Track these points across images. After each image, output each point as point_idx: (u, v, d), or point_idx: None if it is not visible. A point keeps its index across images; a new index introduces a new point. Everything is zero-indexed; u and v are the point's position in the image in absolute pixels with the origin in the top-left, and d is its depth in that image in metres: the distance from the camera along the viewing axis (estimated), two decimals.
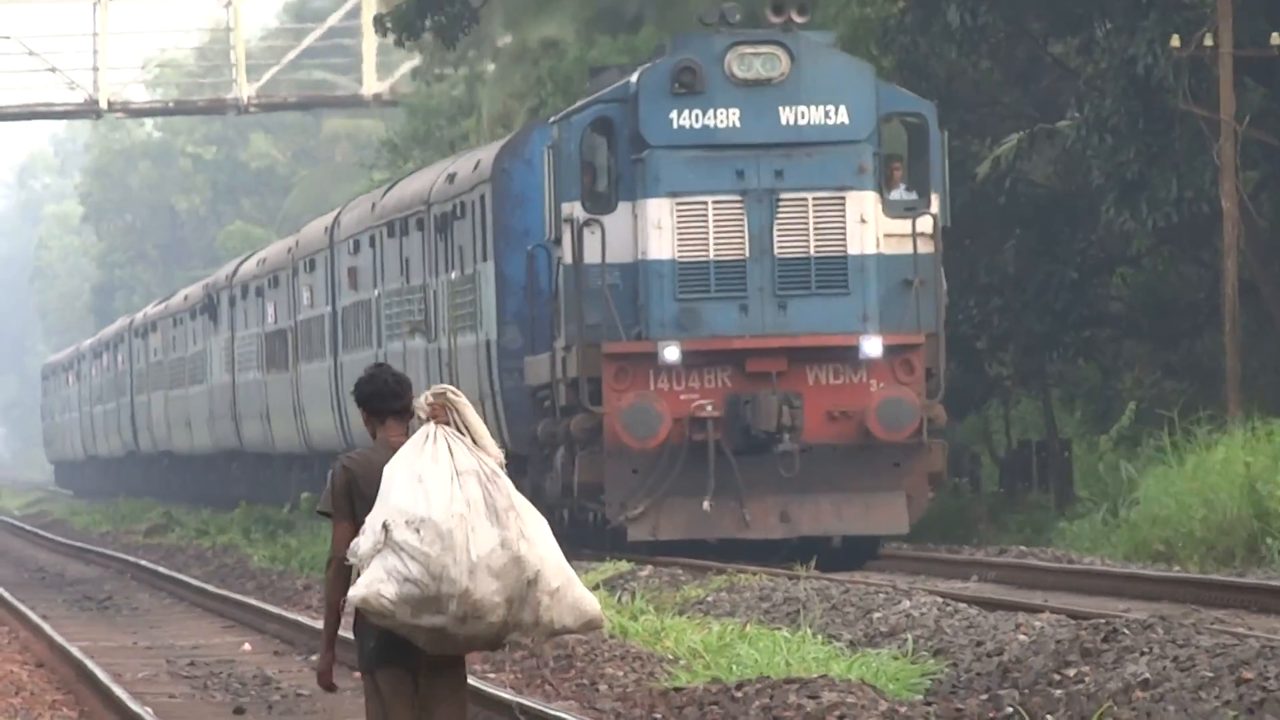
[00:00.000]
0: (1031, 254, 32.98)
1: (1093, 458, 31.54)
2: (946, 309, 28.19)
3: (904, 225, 25.82)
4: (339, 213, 42.74)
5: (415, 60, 58.68)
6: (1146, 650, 12.45)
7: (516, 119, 45.23)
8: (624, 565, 25.10)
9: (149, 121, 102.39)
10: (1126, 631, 13.01)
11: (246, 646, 20.54)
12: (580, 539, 28.22)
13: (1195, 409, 30.16)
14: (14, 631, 22.57)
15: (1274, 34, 30.89)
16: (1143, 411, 32.24)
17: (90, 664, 15.92)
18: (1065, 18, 36.21)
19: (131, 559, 37.12)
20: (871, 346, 25.45)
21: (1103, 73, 33.46)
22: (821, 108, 25.87)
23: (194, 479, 56.06)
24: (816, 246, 25.67)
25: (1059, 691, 11.87)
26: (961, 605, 17.97)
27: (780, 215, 25.55)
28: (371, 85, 57.39)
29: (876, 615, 18.01)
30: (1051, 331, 32.85)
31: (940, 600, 18.31)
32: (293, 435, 43.70)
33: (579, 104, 28.44)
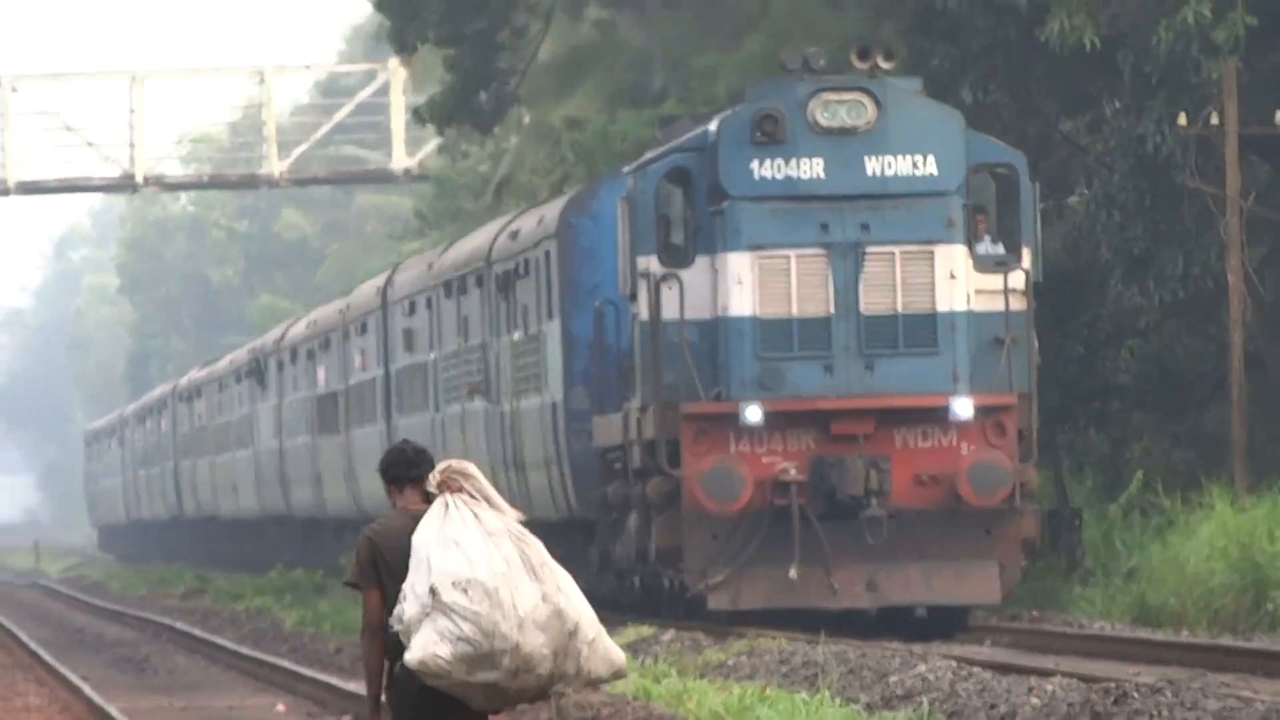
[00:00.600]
0: (1042, 328, 30.71)
1: (1102, 525, 30.04)
2: (1039, 369, 25.82)
3: (994, 281, 23.61)
4: (392, 273, 40.52)
5: (443, 137, 55.67)
6: (1155, 713, 12.30)
7: (540, 193, 43.51)
8: (646, 630, 24.24)
9: (183, 195, 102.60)
10: (1136, 695, 12.76)
11: (280, 708, 20.14)
12: (654, 606, 26.32)
13: (1202, 478, 28.66)
14: (54, 692, 22.19)
15: (1278, 112, 30.02)
16: (1151, 480, 30.27)
17: None
18: (1075, 96, 34.82)
19: (168, 622, 36.37)
20: (962, 408, 23.11)
21: (1111, 150, 32.18)
22: (909, 158, 23.52)
23: (239, 543, 55.02)
24: (904, 303, 23.42)
25: None
26: (975, 669, 17.21)
27: (866, 270, 23.33)
28: (400, 160, 56.42)
29: (893, 679, 17.13)
30: (1062, 403, 30.85)
31: (955, 664, 17.48)
32: (345, 499, 42.31)
33: (654, 153, 25.95)
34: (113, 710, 18.15)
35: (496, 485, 17.17)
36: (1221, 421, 31.47)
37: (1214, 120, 30.01)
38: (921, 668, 17.37)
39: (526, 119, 51.11)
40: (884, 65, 23.83)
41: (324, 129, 58.78)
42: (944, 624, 24.18)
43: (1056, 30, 33.74)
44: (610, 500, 27.17)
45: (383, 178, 63.33)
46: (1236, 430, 29.08)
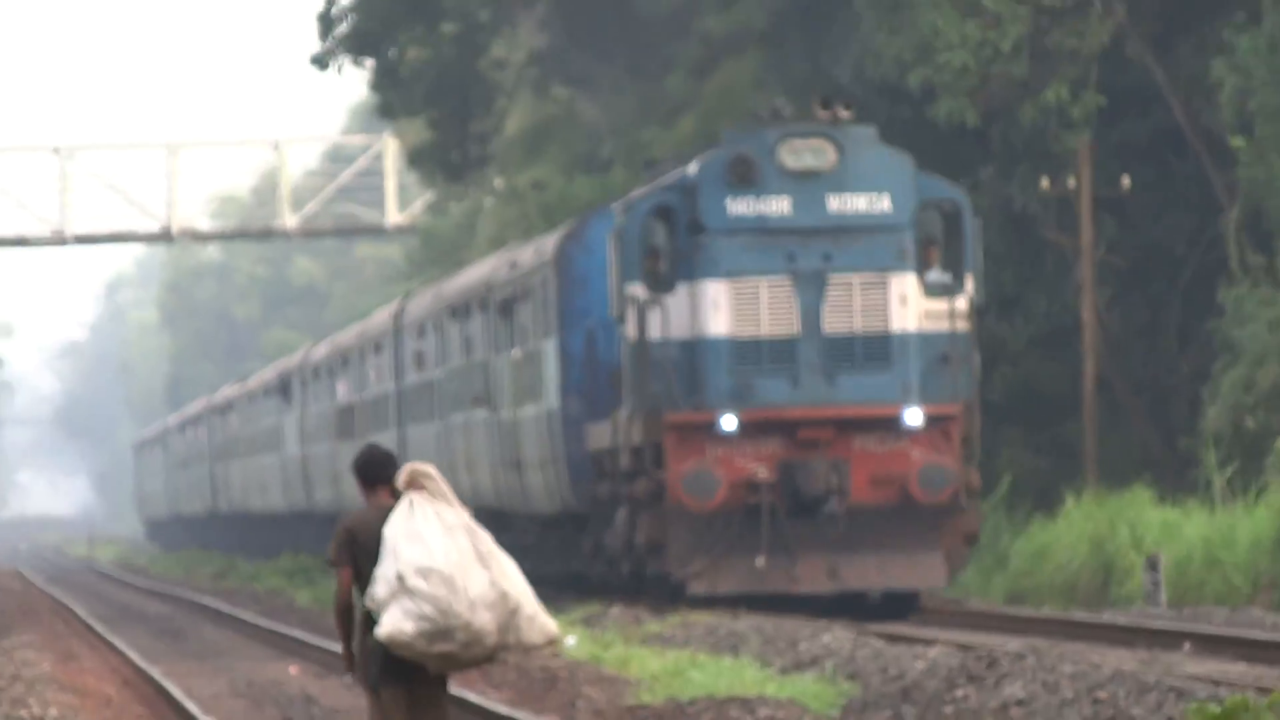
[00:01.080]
0: None
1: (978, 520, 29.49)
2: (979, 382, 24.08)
3: (941, 305, 21.57)
4: (404, 301, 37.07)
5: (429, 196, 57.84)
6: (1020, 675, 12.56)
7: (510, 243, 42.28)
8: (595, 607, 23.39)
9: (212, 245, 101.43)
10: (1004, 660, 12.99)
11: (293, 670, 19.31)
12: (640, 591, 24.20)
13: (1059, 482, 29.52)
14: (105, 657, 21.84)
15: (1125, 176, 29.86)
16: (1017, 483, 30.25)
17: (167, 683, 15.84)
18: (956, 164, 31.72)
19: (200, 599, 35.31)
20: (912, 417, 21.29)
21: (985, 209, 29.61)
22: (866, 196, 21.71)
23: (266, 535, 52.79)
24: (862, 324, 21.58)
25: (950, 709, 12.04)
26: (871, 638, 17.17)
27: (828, 296, 21.41)
28: (393, 217, 55.79)
29: (802, 646, 16.81)
30: None
31: (854, 634, 17.45)
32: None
33: (641, 191, 24.07)
34: (153, 671, 17.89)
35: (496, 483, 13.64)
36: (1076, 434, 30.96)
37: (1071, 184, 30.01)
38: (826, 637, 16.87)
39: (499, 183, 50.22)
40: (843, 114, 22.02)
41: (329, 189, 58.01)
42: (897, 607, 22.75)
43: (944, 111, 31.79)
44: (601, 497, 25.10)
45: (378, 231, 62.41)
46: (1089, 442, 29.04)
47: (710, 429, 21.37)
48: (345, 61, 48.71)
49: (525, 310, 27.50)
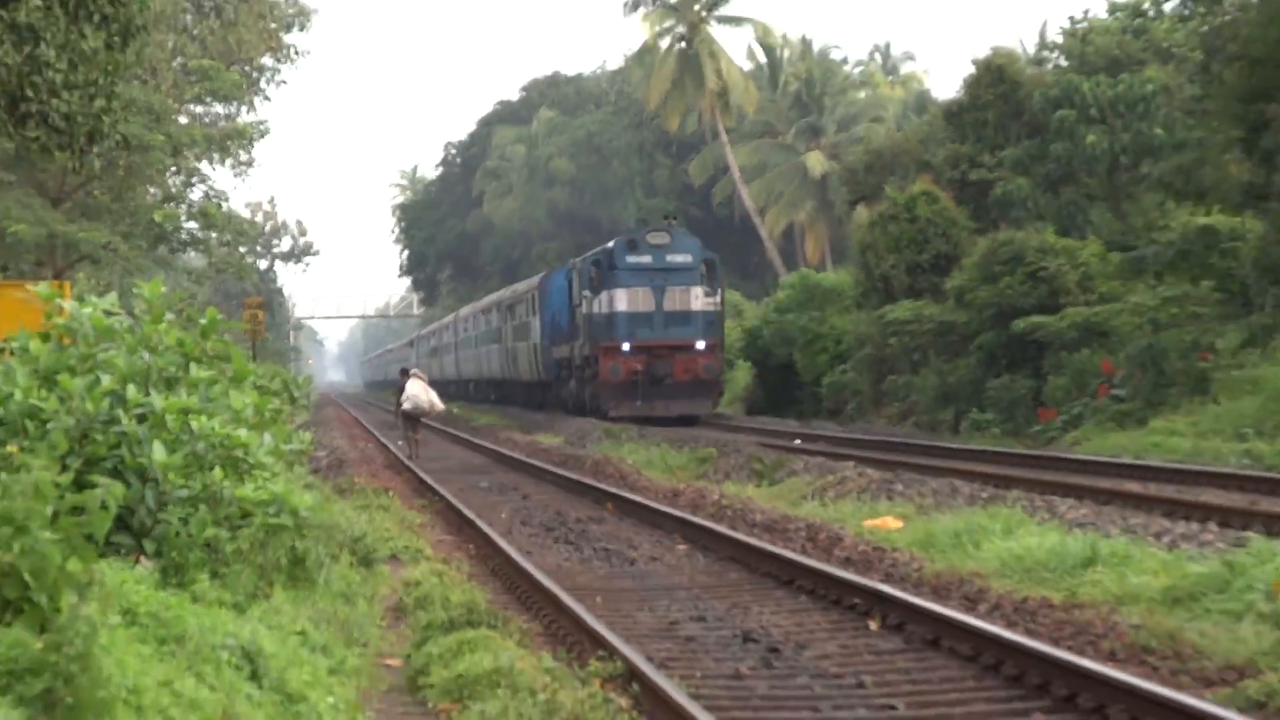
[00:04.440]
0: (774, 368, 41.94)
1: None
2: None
3: (710, 300, 33.27)
4: (462, 309, 60.70)
5: None
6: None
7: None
8: (567, 431, 31.62)
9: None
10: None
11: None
12: (582, 414, 34.75)
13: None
14: (450, 518, 19.10)
15: None
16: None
17: (460, 506, 16.17)
18: (716, 238, 52.71)
19: (439, 426, 36.58)
20: (700, 344, 33.02)
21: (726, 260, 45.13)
22: (681, 255, 33.64)
23: (469, 389, 59.71)
24: (679, 306, 33.17)
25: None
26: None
27: (666, 295, 33.01)
28: None
29: (654, 432, 27.21)
30: (776, 399, 41.19)
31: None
32: (500, 371, 50.69)
33: (588, 254, 36.47)
34: (449, 497, 19.27)
35: (503, 368, 44.23)
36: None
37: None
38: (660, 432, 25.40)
39: None
40: (673, 222, 35.00)
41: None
42: (692, 420, 32.63)
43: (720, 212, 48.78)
44: (560, 376, 37.91)
45: None
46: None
47: (618, 350, 32.41)
48: None
49: (521, 308, 43.13)
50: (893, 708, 7.08)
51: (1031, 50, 47.23)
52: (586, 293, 33.87)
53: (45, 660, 4.69)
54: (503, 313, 47.24)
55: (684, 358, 32.93)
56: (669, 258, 33.16)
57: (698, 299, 33.19)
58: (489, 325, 50.10)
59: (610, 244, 34.32)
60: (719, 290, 33.77)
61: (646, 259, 33.22)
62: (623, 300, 32.99)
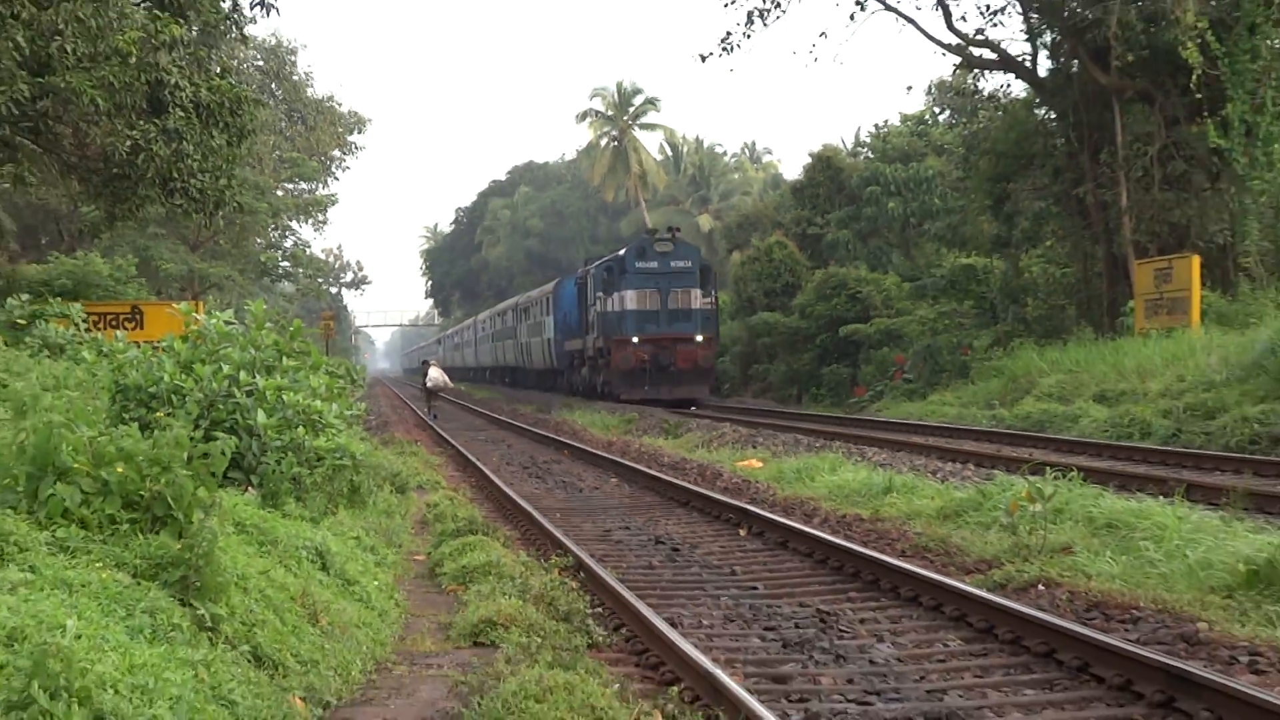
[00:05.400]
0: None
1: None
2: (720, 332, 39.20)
3: (707, 300, 35.28)
4: (479, 314, 67.73)
5: None
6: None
7: None
8: (576, 407, 35.07)
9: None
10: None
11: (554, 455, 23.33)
12: (592, 399, 36.69)
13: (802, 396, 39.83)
14: (459, 462, 22.03)
15: None
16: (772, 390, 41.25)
17: (497, 479, 16.94)
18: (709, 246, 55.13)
19: (465, 403, 44.87)
20: (699, 338, 35.00)
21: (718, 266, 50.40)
22: (683, 261, 35.40)
23: (488, 375, 69.04)
24: (682, 304, 35.15)
25: (700, 432, 28.32)
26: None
27: (669, 296, 34.99)
28: None
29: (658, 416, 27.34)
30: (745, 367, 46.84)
31: (672, 413, 28.49)
32: (515, 360, 56.81)
33: (600, 260, 38.35)
34: (460, 447, 22.60)
35: (517, 358, 52.87)
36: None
37: None
38: (675, 418, 25.95)
39: None
40: (677, 233, 36.21)
41: None
42: (691, 405, 33.94)
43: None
44: (570, 365, 41.15)
45: None
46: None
47: (629, 342, 34.20)
48: None
49: (535, 309, 47.63)
50: (754, 587, 9.73)
51: (850, 145, 62.13)
52: (600, 294, 35.84)
53: (182, 556, 5.81)
54: (517, 314, 53.17)
55: (685, 349, 34.69)
56: (673, 263, 35.06)
57: (697, 299, 35.16)
58: (504, 325, 57.75)
59: (621, 252, 36.45)
60: (713, 292, 36.41)
61: (653, 264, 35.03)
62: (632, 300, 34.86)
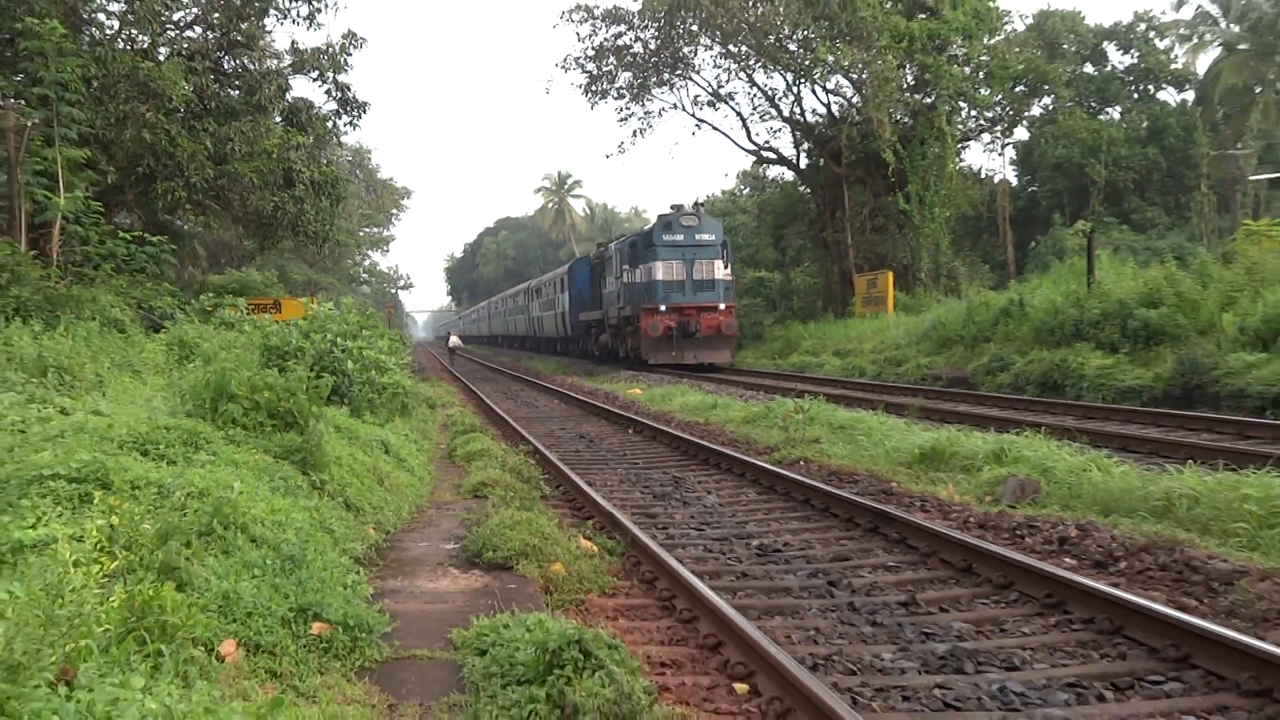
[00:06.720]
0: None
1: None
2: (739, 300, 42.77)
3: (727, 272, 34.66)
4: (496, 295, 75.68)
5: None
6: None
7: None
8: (599, 374, 35.54)
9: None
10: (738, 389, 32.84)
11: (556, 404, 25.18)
12: (617, 365, 37.86)
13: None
14: (467, 393, 28.45)
15: None
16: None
17: (489, 402, 22.44)
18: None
19: (491, 364, 52.15)
20: (721, 306, 34.24)
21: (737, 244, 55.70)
22: (707, 234, 34.69)
23: (503, 345, 79.61)
24: (706, 275, 34.35)
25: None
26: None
27: (695, 266, 34.21)
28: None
29: (686, 382, 28.29)
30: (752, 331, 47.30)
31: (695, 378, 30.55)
32: (526, 330, 64.14)
33: (628, 235, 38.37)
34: (484, 398, 25.27)
35: (529, 329, 59.79)
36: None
37: None
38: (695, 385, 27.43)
39: None
40: (700, 208, 35.69)
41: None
42: (713, 369, 34.16)
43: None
44: (587, 333, 43.40)
45: None
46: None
47: (657, 310, 33.45)
48: None
49: (547, 289, 53.21)
50: (636, 463, 15.75)
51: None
52: (626, 266, 36.50)
53: (302, 445, 8.71)
54: (528, 295, 62.70)
55: (708, 316, 34.62)
56: (697, 236, 34.97)
57: (719, 270, 35.05)
58: (515, 304, 69.31)
59: (649, 225, 36.47)
60: (731, 263, 36.42)
61: (679, 237, 34.86)
62: (660, 270, 34.71)
